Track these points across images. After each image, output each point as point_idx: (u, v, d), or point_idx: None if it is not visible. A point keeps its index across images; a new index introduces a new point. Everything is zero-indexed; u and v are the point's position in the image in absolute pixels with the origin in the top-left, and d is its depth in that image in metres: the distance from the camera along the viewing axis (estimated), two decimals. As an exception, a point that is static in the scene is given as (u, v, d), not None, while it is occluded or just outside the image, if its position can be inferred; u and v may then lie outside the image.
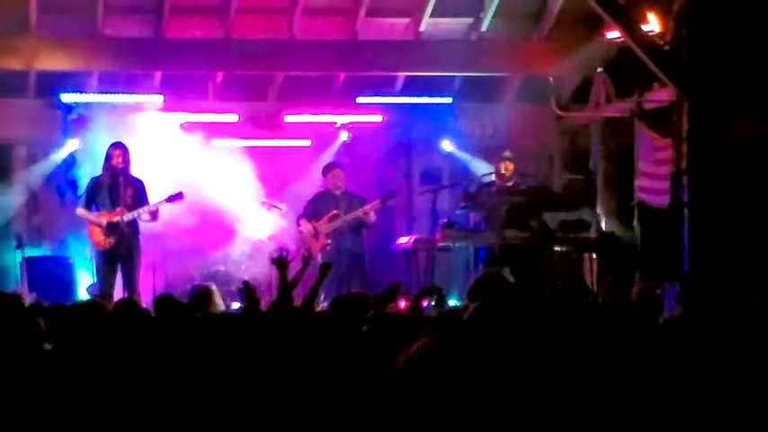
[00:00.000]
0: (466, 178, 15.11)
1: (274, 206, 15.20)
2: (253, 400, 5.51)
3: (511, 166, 13.92)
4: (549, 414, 4.72)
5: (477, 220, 13.96)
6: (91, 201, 13.57)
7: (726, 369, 5.26)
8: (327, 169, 14.71)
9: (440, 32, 16.23)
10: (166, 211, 13.86)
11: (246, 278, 14.88)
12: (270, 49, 15.99)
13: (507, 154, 14.04)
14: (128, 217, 13.27)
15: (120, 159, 13.41)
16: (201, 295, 9.23)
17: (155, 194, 13.71)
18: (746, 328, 5.99)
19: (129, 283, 13.17)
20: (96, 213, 13.45)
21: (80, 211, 13.65)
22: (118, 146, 13.58)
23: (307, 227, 14.28)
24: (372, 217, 14.32)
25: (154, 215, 13.51)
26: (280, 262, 8.75)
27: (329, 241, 14.12)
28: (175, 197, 13.64)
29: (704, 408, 5.06)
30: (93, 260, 13.90)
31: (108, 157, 13.51)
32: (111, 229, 13.28)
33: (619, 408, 5.01)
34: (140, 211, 13.35)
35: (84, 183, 14.36)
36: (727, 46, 11.35)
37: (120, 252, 13.25)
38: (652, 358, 5.39)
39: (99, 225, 13.36)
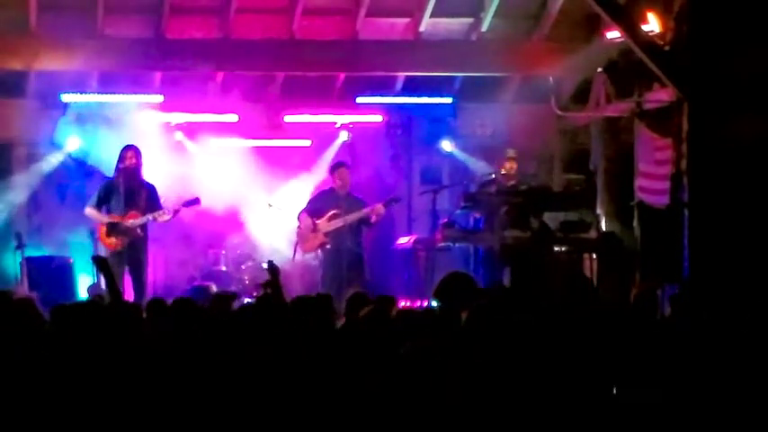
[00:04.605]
0: (466, 178, 15.10)
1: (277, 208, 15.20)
2: (250, 399, 5.51)
3: (514, 166, 13.90)
4: (546, 411, 4.72)
5: (477, 220, 13.96)
6: (102, 202, 13.55)
7: (723, 368, 5.26)
8: (335, 168, 14.54)
9: (440, 32, 16.23)
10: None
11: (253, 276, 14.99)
12: (270, 49, 15.99)
13: (511, 153, 14.02)
14: (141, 220, 13.27)
15: (134, 161, 13.40)
16: (222, 299, 9.24)
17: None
18: (744, 329, 5.99)
19: (138, 285, 13.16)
20: (108, 215, 13.44)
21: (89, 211, 13.63)
22: (131, 148, 13.56)
23: (306, 222, 14.16)
24: (374, 217, 14.22)
25: (174, 214, 13.51)
26: (272, 267, 8.82)
27: (327, 240, 14.02)
28: (192, 202, 13.66)
29: (701, 405, 5.06)
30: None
31: (121, 159, 13.48)
32: (121, 230, 13.27)
33: (615, 406, 5.01)
34: (155, 214, 13.33)
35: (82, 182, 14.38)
36: (727, 46, 11.32)
37: (131, 254, 13.23)
38: (650, 357, 5.40)
39: (108, 226, 13.36)
